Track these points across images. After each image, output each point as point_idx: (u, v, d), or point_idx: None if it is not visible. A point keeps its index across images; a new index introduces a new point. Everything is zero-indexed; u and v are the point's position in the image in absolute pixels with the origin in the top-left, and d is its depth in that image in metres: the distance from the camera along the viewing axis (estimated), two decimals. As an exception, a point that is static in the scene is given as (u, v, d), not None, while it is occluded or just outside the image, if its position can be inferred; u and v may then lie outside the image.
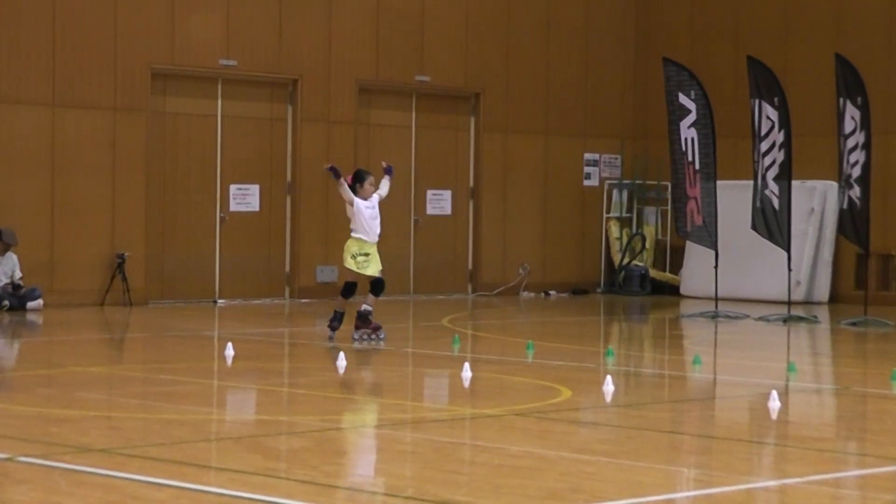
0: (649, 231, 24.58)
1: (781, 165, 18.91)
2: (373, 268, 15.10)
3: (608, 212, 24.64)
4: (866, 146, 18.61)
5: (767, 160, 18.99)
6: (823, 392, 12.80)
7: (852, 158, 18.70)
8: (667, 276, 24.25)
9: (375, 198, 15.20)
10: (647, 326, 20.00)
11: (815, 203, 22.20)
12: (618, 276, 24.16)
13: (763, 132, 19.03)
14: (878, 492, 7.91)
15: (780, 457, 9.23)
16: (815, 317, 19.54)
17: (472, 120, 23.44)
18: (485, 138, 23.40)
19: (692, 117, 19.54)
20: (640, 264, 24.18)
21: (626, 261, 24.17)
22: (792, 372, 13.31)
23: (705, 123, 19.45)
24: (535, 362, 13.91)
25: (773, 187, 18.93)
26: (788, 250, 19.01)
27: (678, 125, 19.68)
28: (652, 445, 9.44)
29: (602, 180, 24.64)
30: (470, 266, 23.41)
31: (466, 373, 12.36)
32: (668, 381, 13.30)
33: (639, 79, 24.74)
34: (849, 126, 18.74)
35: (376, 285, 15.22)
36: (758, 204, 19.10)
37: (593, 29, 24.52)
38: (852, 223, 18.92)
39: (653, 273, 24.19)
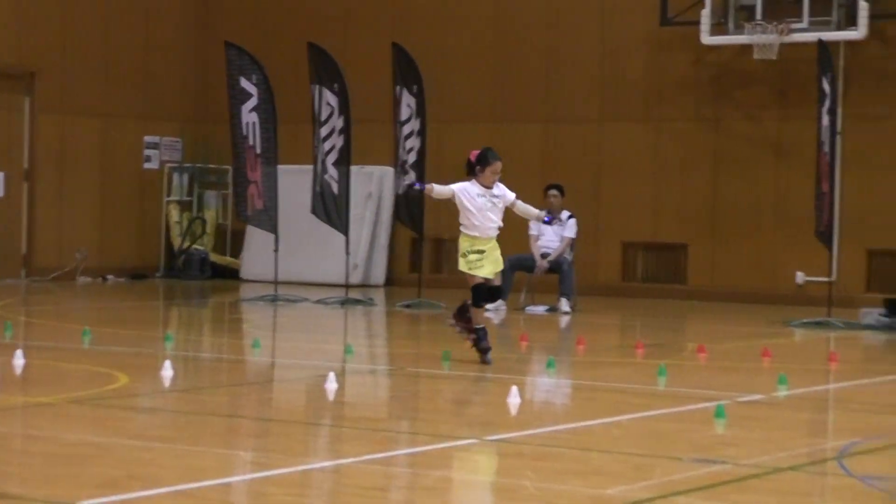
0: (210, 215, 24.50)
1: (341, 151, 19.24)
2: (488, 268, 12.53)
3: (168, 195, 24.40)
4: (421, 133, 19.22)
5: (327, 145, 19.28)
6: (379, 373, 13.12)
7: (408, 145, 19.25)
8: (227, 259, 24.25)
9: (500, 189, 12.59)
10: (207, 311, 19.95)
11: (373, 188, 22.72)
12: (177, 261, 23.97)
13: (323, 118, 19.31)
14: (428, 469, 8.16)
15: (336, 437, 9.39)
16: (372, 299, 19.98)
17: (27, 100, 22.71)
18: (40, 119, 22.71)
19: (253, 101, 19.58)
20: (201, 248, 24.07)
21: (186, 245, 24.00)
22: (349, 354, 13.57)
23: (266, 108, 19.54)
24: (91, 349, 13.63)
25: (333, 172, 19.24)
26: (347, 234, 19.36)
27: (239, 109, 19.68)
28: (210, 430, 9.42)
29: (163, 164, 24.38)
30: (24, 250, 22.69)
31: (19, 360, 11.98)
32: (228, 365, 13.31)
33: (200, 62, 24.60)
34: (405, 113, 19.29)
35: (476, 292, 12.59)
36: (317, 188, 19.36)
37: (155, 10, 24.19)
38: (407, 208, 19.48)
39: (213, 257, 24.13)
